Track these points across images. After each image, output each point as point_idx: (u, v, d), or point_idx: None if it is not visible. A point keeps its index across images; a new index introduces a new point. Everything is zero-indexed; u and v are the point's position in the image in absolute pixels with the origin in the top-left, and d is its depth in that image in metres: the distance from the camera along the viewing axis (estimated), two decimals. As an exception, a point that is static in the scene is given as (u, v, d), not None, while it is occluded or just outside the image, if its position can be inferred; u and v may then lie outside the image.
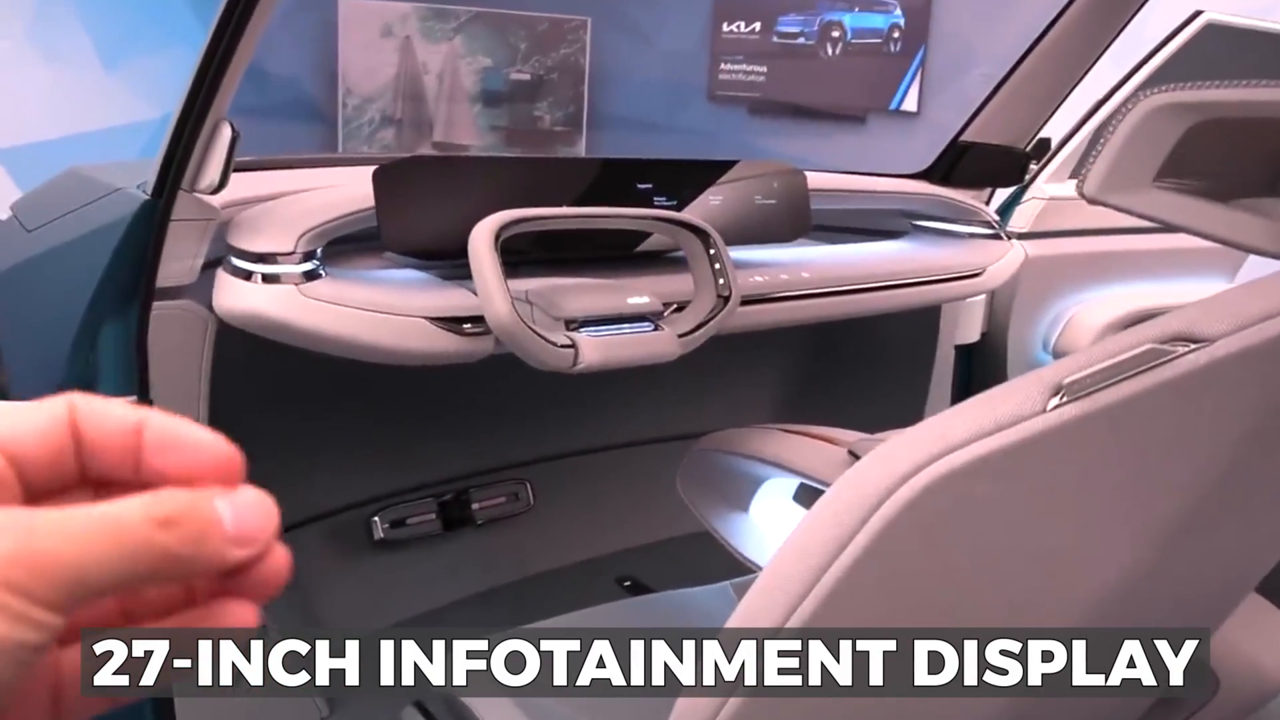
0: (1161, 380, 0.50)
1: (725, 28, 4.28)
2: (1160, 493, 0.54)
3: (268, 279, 1.03)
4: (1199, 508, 0.55)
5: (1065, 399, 0.51)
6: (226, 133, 0.98)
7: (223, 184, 1.00)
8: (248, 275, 1.04)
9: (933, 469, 0.54)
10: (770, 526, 1.29)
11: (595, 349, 1.06)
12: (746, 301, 1.20)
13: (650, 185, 1.27)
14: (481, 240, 1.02)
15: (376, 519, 1.52)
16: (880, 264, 1.48)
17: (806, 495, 1.23)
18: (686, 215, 1.19)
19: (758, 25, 4.21)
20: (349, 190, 1.12)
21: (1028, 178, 1.68)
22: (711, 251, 1.15)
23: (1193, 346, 0.49)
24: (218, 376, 1.10)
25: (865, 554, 0.56)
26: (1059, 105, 1.58)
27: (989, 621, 0.58)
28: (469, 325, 1.08)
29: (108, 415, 0.28)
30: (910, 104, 3.94)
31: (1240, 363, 0.50)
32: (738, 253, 1.25)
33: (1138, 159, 0.56)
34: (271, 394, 1.39)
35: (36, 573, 0.24)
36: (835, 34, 4.06)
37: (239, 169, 1.02)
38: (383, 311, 1.05)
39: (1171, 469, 0.54)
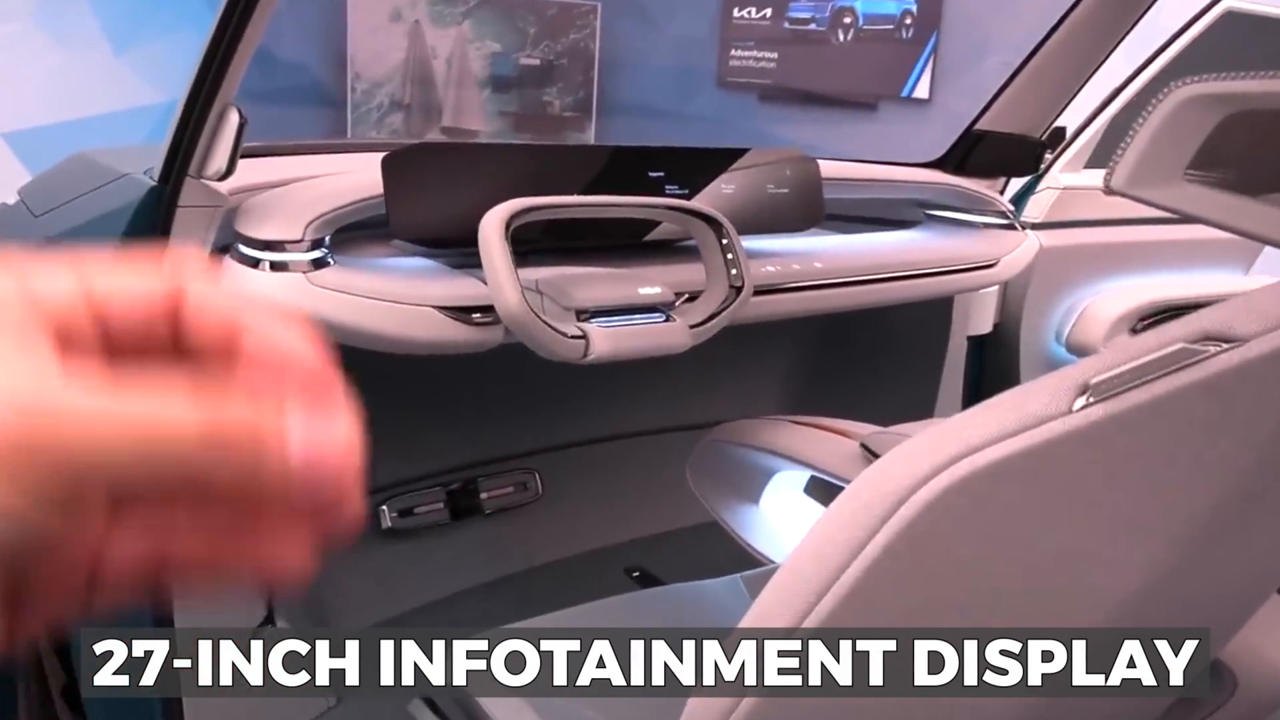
0: (1192, 381, 0.48)
1: (736, 13, 4.25)
2: (1187, 494, 0.53)
3: (275, 267, 1.02)
4: (1225, 509, 0.54)
5: (1092, 400, 0.50)
6: (234, 118, 0.97)
7: (230, 170, 0.99)
8: (255, 263, 1.02)
9: (954, 470, 0.53)
10: (781, 519, 1.28)
11: (606, 340, 1.05)
12: (759, 292, 1.19)
13: (662, 173, 1.26)
14: (491, 229, 1.01)
15: (384, 508, 1.51)
16: (893, 254, 1.47)
17: (817, 488, 1.22)
18: (700, 205, 1.18)
19: (769, 11, 4.18)
20: (357, 177, 1.11)
21: (1042, 167, 1.66)
22: (724, 241, 1.14)
23: (1224, 346, 0.48)
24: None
25: (884, 555, 0.55)
26: (1075, 94, 1.56)
27: (1009, 625, 0.57)
28: (478, 315, 1.06)
29: (212, 304, 0.24)
30: (922, 91, 3.91)
31: (1273, 363, 0.48)
32: (749, 242, 1.24)
33: (1168, 151, 0.54)
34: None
35: (43, 453, 0.20)
36: (847, 20, 4.03)
37: (246, 155, 1.01)
38: (391, 300, 1.04)
39: (1199, 470, 0.52)
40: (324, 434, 0.23)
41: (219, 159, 0.97)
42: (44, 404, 0.20)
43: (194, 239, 1.02)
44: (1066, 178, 1.70)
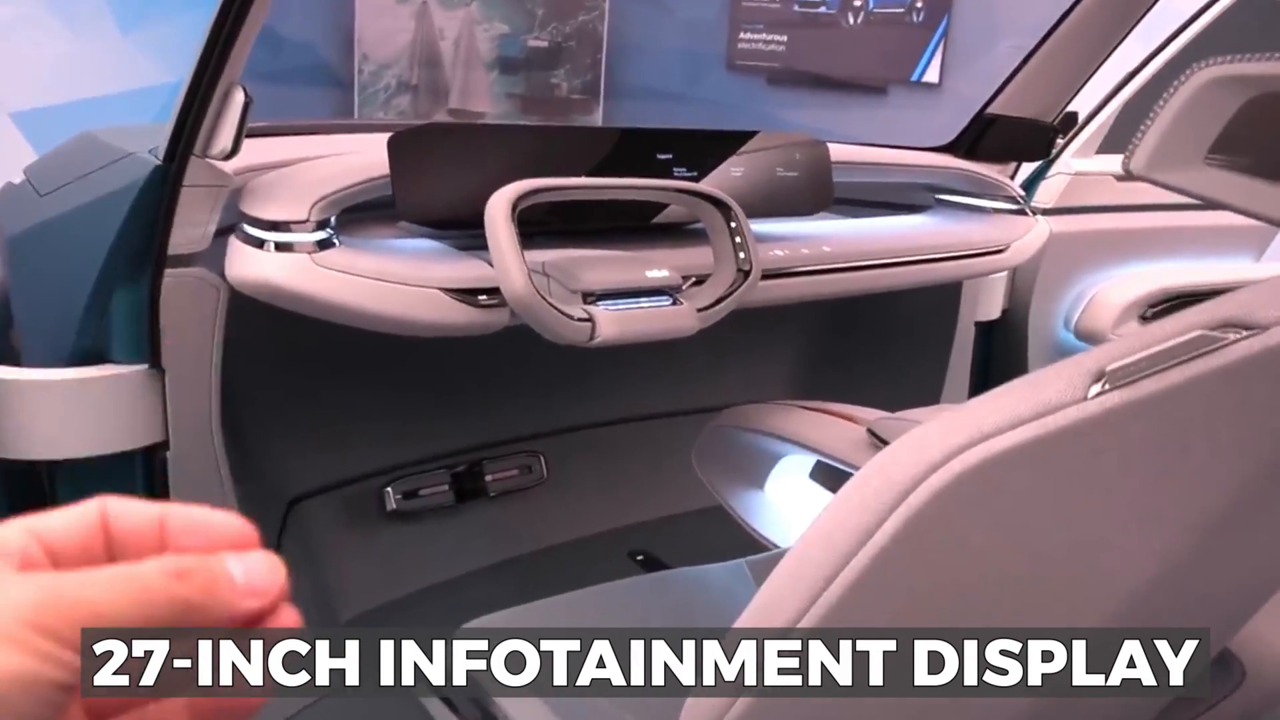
0: (1211, 368, 0.47)
1: (745, -4, 4.22)
2: (1202, 483, 0.52)
3: (280, 247, 1.01)
4: (1242, 500, 0.53)
5: (1107, 386, 0.49)
6: (239, 98, 0.96)
7: (235, 150, 0.98)
8: (260, 243, 1.01)
9: (966, 456, 0.52)
10: (786, 504, 1.27)
11: (612, 323, 1.04)
12: (766, 276, 1.18)
13: (670, 156, 1.25)
14: (498, 210, 1.00)
15: (389, 490, 1.51)
16: (902, 239, 1.46)
17: (823, 473, 1.21)
18: (708, 187, 1.16)
19: (778, -6, 4.15)
20: (364, 158, 1.10)
21: (1054, 152, 1.64)
22: (732, 224, 1.13)
23: (1246, 333, 0.47)
24: (231, 344, 1.09)
25: (893, 542, 0.54)
26: (1088, 78, 1.55)
27: (1022, 614, 0.56)
28: (484, 297, 1.06)
29: (132, 511, 0.32)
30: (932, 75, 3.88)
31: (1293, 350, 0.47)
32: (758, 225, 1.23)
33: (1189, 134, 0.53)
34: (285, 363, 1.37)
35: (63, 616, 0.27)
36: (857, 2, 3.99)
37: (252, 135, 1.00)
38: (397, 282, 1.03)
39: (1215, 459, 0.52)
40: (253, 559, 0.31)
41: (224, 138, 0.97)
42: (51, 579, 0.28)
43: (198, 218, 1.01)
44: (1078, 163, 1.68)
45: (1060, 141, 1.62)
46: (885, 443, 1.10)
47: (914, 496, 0.53)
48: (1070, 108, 1.58)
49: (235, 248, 1.03)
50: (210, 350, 1.07)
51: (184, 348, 1.05)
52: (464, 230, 1.11)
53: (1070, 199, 1.69)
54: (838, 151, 1.39)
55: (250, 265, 1.02)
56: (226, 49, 0.91)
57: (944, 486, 0.53)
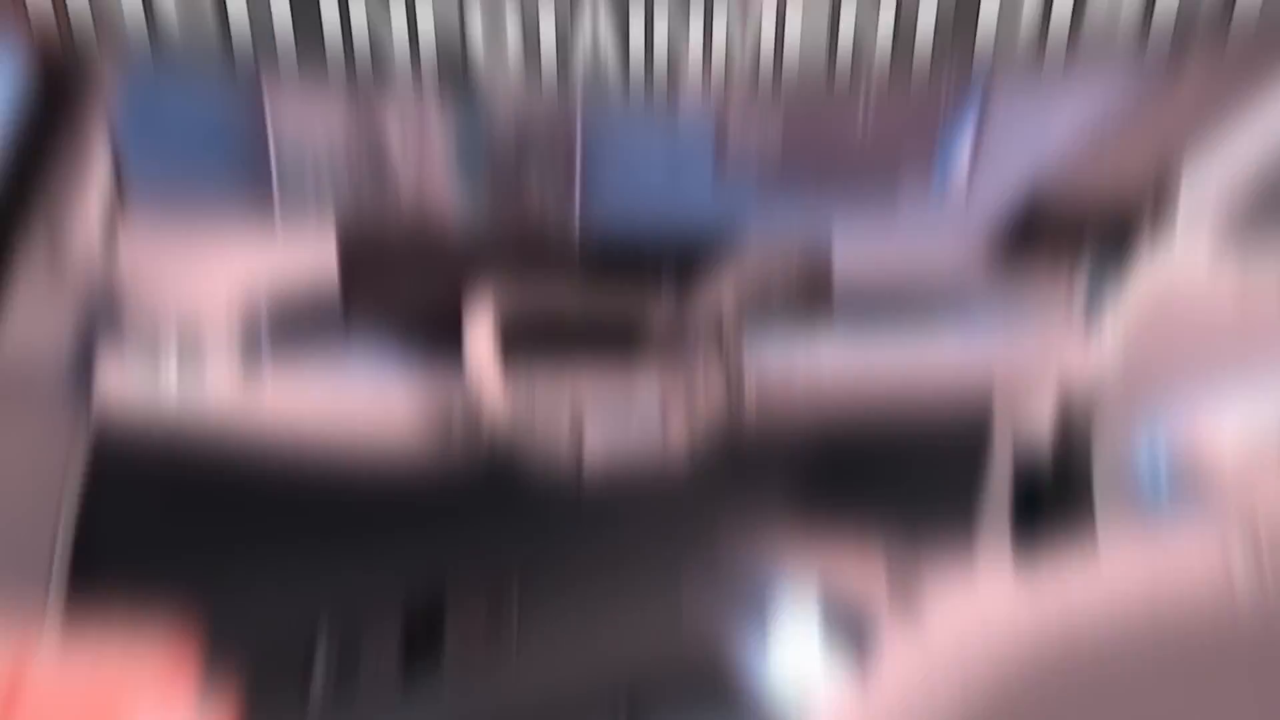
0: None
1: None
2: None
3: (185, 363, 0.94)
4: None
5: (1274, 564, 0.41)
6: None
7: (106, 225, 0.91)
8: (155, 360, 0.95)
9: (1044, 637, 0.44)
10: (793, 656, 1.27)
11: (600, 453, 1.02)
12: (762, 399, 1.19)
13: (656, 266, 1.27)
14: (480, 328, 0.97)
15: (318, 658, 1.44)
16: (924, 359, 1.45)
17: (833, 616, 1.21)
18: (696, 301, 1.18)
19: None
20: (296, 251, 1.04)
21: (1140, 239, 1.56)
22: (723, 344, 1.13)
23: None
24: (96, 488, 1.00)
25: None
26: (1205, 129, 1.42)
27: None
28: (459, 423, 1.03)
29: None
30: (959, 175, 3.93)
31: None
32: (753, 342, 1.23)
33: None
34: (170, 500, 1.31)
35: None
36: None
37: (135, 208, 0.93)
38: (352, 408, 0.97)
39: None
40: None
41: (86, 208, 0.89)
42: None
43: (39, 319, 0.93)
44: (1175, 254, 1.58)
45: (1150, 224, 1.53)
46: (909, 585, 1.08)
47: (971, 683, 0.45)
48: (1171, 175, 1.48)
49: (111, 366, 0.95)
50: (56, 511, 0.97)
51: (7, 502, 0.94)
52: (429, 344, 1.10)
53: (1163, 299, 1.59)
54: (844, 258, 1.40)
55: (139, 391, 0.92)
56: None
57: (1022, 677, 0.45)
